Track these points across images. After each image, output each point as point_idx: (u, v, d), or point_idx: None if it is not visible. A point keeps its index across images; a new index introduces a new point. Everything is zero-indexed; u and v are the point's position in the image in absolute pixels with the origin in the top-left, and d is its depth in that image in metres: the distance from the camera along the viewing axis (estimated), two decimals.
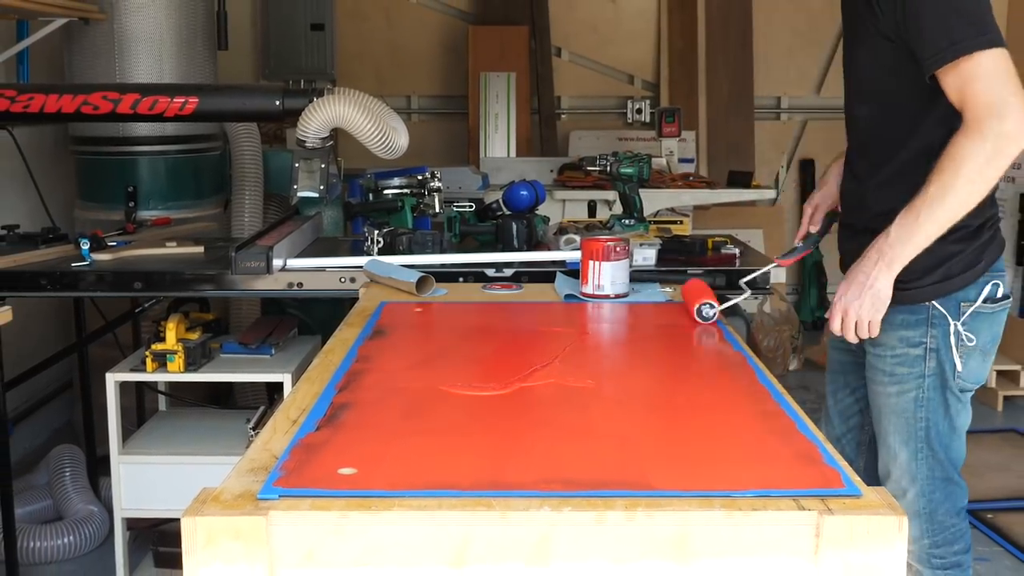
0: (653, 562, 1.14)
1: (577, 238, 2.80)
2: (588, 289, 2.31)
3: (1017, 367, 4.94)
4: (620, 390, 1.67)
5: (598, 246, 2.30)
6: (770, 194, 5.74)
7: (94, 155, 4.09)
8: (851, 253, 2.12)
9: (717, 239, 3.04)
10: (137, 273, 3.01)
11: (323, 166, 3.17)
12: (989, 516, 3.72)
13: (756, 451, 1.34)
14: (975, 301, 2.05)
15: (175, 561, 3.07)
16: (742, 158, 6.23)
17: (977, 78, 1.84)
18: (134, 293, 3.16)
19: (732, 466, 1.27)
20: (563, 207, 5.21)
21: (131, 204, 3.87)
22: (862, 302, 1.99)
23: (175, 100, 3.19)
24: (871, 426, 2.26)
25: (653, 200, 4.97)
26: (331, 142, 3.20)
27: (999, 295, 2.07)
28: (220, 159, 4.30)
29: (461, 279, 2.81)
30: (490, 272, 2.87)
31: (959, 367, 2.07)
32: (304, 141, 3.12)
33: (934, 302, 2.05)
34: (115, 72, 3.95)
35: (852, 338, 2.04)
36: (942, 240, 1.96)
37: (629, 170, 3.28)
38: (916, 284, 2.04)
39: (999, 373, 4.98)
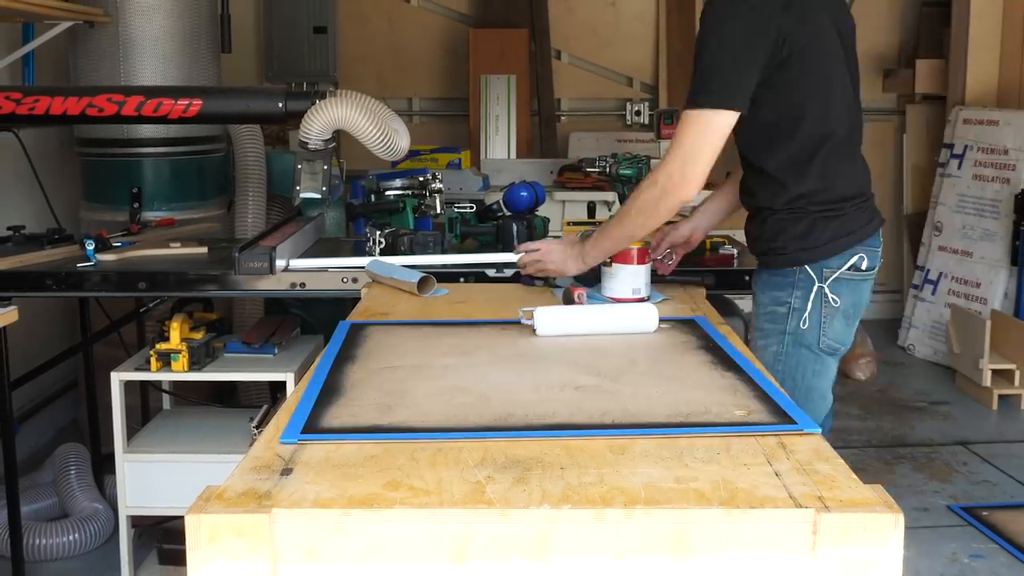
0: (652, 558, 1.14)
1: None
2: (620, 293, 2.30)
3: (1012, 366, 4.94)
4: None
5: (639, 251, 2.33)
6: None
7: (99, 157, 4.09)
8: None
9: (715, 239, 3.04)
10: (141, 273, 3.01)
11: (325, 167, 3.17)
12: (984, 514, 3.72)
13: (719, 397, 1.61)
14: (839, 269, 2.23)
15: (179, 558, 3.08)
16: (738, 160, 6.21)
17: (682, 131, 2.17)
18: (138, 293, 3.16)
19: (697, 405, 1.55)
20: (563, 208, 5.21)
21: (136, 205, 3.87)
22: (554, 259, 2.43)
23: (179, 102, 3.19)
24: None
25: None
26: (333, 144, 3.20)
27: (863, 266, 2.26)
28: (224, 161, 4.30)
29: (462, 279, 2.81)
30: (491, 272, 2.87)
31: (816, 325, 2.24)
32: (307, 143, 3.12)
33: (804, 267, 2.24)
34: (120, 75, 3.95)
35: (521, 266, 2.50)
36: (815, 219, 2.23)
37: (628, 171, 3.28)
38: (785, 251, 2.25)
39: (994, 372, 4.98)
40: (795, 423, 1.46)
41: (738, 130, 2.22)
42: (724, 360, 1.83)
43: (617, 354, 1.88)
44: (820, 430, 1.46)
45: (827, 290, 2.24)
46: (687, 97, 2.19)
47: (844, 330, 2.29)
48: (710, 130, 2.14)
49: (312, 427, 1.46)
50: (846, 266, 2.24)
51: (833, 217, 2.25)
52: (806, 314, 2.25)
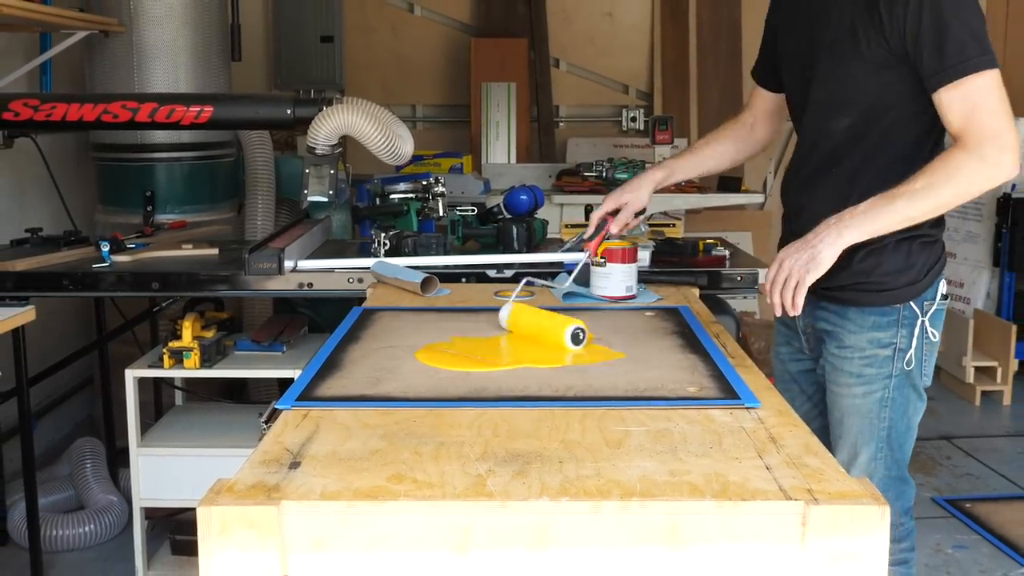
0: (647, 548, 1.14)
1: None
2: (614, 291, 2.31)
3: (994, 363, 4.95)
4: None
5: (629, 251, 2.31)
6: (758, 199, 5.75)
7: (114, 161, 4.09)
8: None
9: (708, 241, 3.04)
10: (155, 274, 3.01)
11: (332, 172, 3.17)
12: (967, 506, 3.72)
13: (678, 375, 1.70)
14: (935, 300, 2.04)
15: (191, 549, 3.08)
16: None
17: (982, 102, 1.83)
18: (152, 293, 3.16)
19: (655, 382, 1.65)
20: (561, 211, 5.21)
21: (149, 208, 3.87)
22: (800, 256, 1.84)
23: (191, 109, 3.19)
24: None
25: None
26: (340, 149, 3.20)
27: (946, 292, 2.08)
28: (234, 165, 4.30)
29: (464, 279, 2.81)
30: (491, 273, 2.87)
31: (924, 365, 2.05)
32: (314, 148, 3.12)
33: (909, 303, 2.02)
34: (134, 82, 3.95)
35: (776, 300, 1.88)
36: (913, 246, 1.98)
37: (624, 175, 3.29)
38: (892, 286, 2.00)
39: (977, 369, 4.99)
40: (738, 398, 1.55)
41: (851, 120, 2.00)
42: (692, 344, 1.91)
43: (596, 338, 1.93)
44: (759, 404, 1.52)
45: (927, 324, 2.03)
46: (954, 67, 1.83)
47: (933, 364, 2.10)
48: (1003, 92, 1.84)
49: (306, 396, 1.58)
50: (939, 295, 2.04)
51: (931, 242, 2.02)
52: (910, 353, 2.02)
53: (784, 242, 2.07)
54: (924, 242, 2.01)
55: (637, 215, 2.42)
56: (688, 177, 2.53)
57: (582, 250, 2.44)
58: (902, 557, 2.12)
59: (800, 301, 1.85)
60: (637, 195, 2.40)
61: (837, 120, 2.03)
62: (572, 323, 1.87)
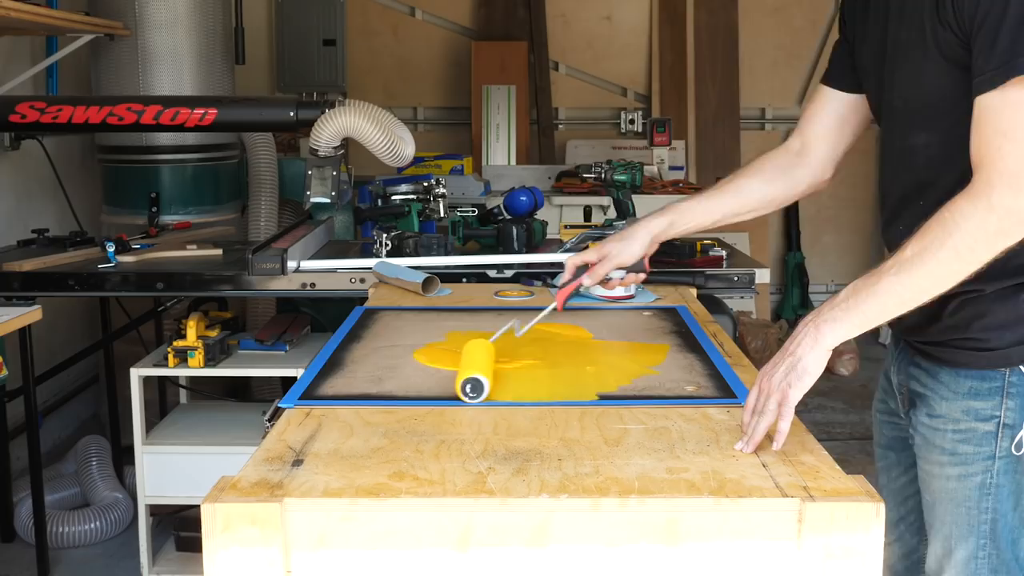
0: (645, 545, 1.14)
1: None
2: (614, 292, 2.30)
3: None
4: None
5: None
6: None
7: (119, 163, 4.09)
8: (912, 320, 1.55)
9: (705, 242, 3.04)
10: (159, 274, 3.01)
11: (334, 173, 3.17)
12: None
13: (676, 375, 1.71)
14: None
15: (196, 545, 3.07)
16: (729, 166, 6.22)
17: (1009, 125, 1.39)
18: (157, 293, 3.16)
19: (654, 380, 1.66)
20: (560, 212, 5.21)
21: (154, 209, 3.87)
22: (777, 370, 1.40)
23: (195, 111, 3.19)
24: None
25: (645, 205, 4.93)
26: (342, 151, 3.19)
27: None
28: (238, 167, 4.30)
29: (464, 279, 2.81)
30: (491, 273, 2.87)
31: None
32: (317, 150, 3.12)
33: (1019, 367, 1.56)
34: (139, 85, 3.95)
35: (752, 430, 1.35)
36: (1018, 296, 1.53)
37: (622, 177, 3.28)
38: (995, 345, 1.55)
39: None
40: (735, 397, 1.54)
41: (946, 142, 1.53)
42: (690, 343, 1.90)
43: (605, 339, 1.95)
44: None
45: None
46: (1001, 70, 1.38)
47: None
48: None
49: (309, 394, 1.58)
50: None
51: None
52: (1022, 432, 1.56)
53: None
54: None
55: (631, 270, 2.01)
56: (700, 227, 1.97)
57: (585, 249, 2.44)
58: None
59: (785, 427, 1.35)
60: (625, 246, 1.96)
61: (915, 136, 1.61)
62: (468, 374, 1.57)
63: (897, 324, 1.65)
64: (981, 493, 1.59)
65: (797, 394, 1.38)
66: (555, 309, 1.99)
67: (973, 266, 1.40)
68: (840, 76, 1.82)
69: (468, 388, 1.53)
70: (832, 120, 1.85)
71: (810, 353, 1.40)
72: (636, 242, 1.96)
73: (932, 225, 1.41)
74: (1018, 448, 1.56)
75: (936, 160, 1.57)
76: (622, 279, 2.04)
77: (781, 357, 1.43)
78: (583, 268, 2.00)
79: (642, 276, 2.05)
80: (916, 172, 1.61)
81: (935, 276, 1.41)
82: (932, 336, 1.60)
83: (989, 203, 1.37)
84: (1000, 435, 1.56)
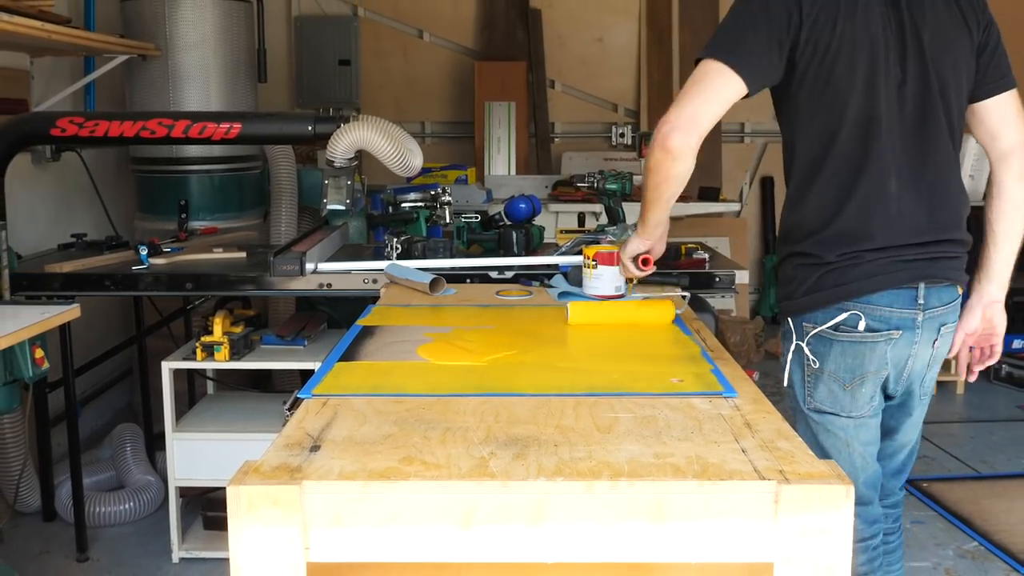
0: (634, 523, 1.14)
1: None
2: (604, 291, 2.30)
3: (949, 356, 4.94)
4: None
5: (618, 255, 2.30)
6: (735, 207, 5.76)
7: (151, 173, 4.09)
8: (953, 267, 1.82)
9: (689, 245, 3.04)
10: (188, 275, 3.01)
11: (349, 182, 3.17)
12: (924, 485, 3.72)
13: (665, 368, 1.68)
14: (820, 325, 1.78)
15: (222, 524, 3.08)
16: (711, 175, 6.23)
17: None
18: (186, 292, 3.16)
19: (643, 374, 1.65)
20: (556, 218, 5.21)
21: (183, 216, 3.87)
22: (990, 341, 1.99)
23: (221, 125, 3.19)
24: None
25: (634, 212, 4.93)
26: (356, 162, 3.19)
27: (861, 327, 1.75)
28: (260, 176, 4.30)
29: (468, 280, 2.81)
30: (493, 274, 2.87)
31: (808, 387, 1.83)
32: (333, 161, 3.12)
33: (787, 318, 1.84)
34: (169, 101, 3.95)
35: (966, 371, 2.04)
36: (788, 263, 1.82)
37: (614, 186, 3.28)
38: (783, 296, 1.86)
39: None
40: (720, 390, 1.53)
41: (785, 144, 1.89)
42: (679, 340, 1.91)
43: (598, 333, 1.96)
44: (736, 394, 1.49)
45: (805, 348, 1.80)
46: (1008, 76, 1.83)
47: (835, 395, 1.80)
48: (705, 79, 1.72)
49: (325, 386, 1.56)
50: (830, 323, 1.76)
51: (810, 265, 1.78)
52: (786, 371, 1.84)
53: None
54: (805, 264, 1.79)
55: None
56: None
57: (579, 252, 2.45)
58: None
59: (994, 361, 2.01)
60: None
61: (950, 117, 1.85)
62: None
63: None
64: (794, 414, 1.89)
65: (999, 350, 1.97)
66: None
67: (658, 177, 1.77)
68: None
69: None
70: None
71: (1003, 325, 1.95)
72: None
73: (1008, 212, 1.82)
74: (787, 383, 1.88)
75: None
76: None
77: (989, 338, 1.96)
78: None
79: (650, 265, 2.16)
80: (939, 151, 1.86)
81: (648, 188, 1.81)
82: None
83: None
84: (785, 368, 1.87)
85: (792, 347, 1.82)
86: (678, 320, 2.09)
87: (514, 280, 2.78)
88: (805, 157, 1.81)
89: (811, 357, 1.80)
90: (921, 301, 1.77)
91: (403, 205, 3.29)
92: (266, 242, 4.05)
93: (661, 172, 1.75)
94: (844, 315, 1.76)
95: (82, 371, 3.37)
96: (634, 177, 3.57)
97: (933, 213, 1.77)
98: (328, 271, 2.94)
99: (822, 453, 1.80)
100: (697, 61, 1.76)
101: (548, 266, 2.83)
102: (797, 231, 1.79)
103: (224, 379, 3.64)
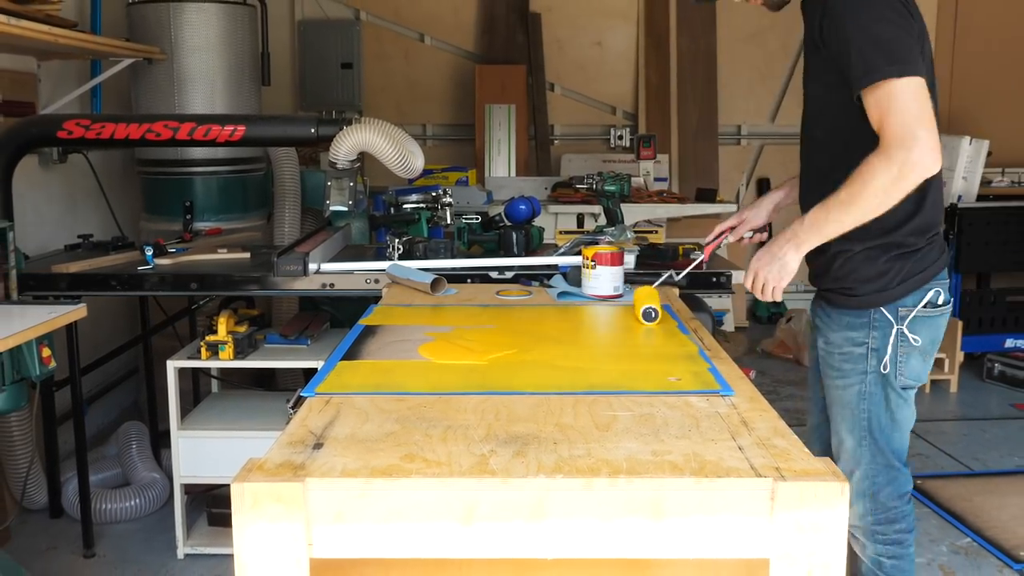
0: (633, 520, 1.14)
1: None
2: (603, 291, 2.30)
3: (942, 355, 4.94)
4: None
5: (617, 255, 2.31)
6: (732, 208, 5.74)
7: (156, 175, 4.09)
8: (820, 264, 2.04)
9: (687, 246, 3.04)
10: (193, 275, 3.01)
11: (351, 184, 3.17)
12: (918, 483, 3.72)
13: (663, 367, 1.69)
14: (915, 307, 1.97)
15: (226, 520, 3.08)
16: (708, 177, 6.23)
17: (891, 107, 1.78)
18: (190, 292, 3.16)
19: (641, 373, 1.66)
20: (556, 219, 5.21)
21: (188, 217, 3.87)
22: (770, 268, 1.93)
23: (225, 128, 3.19)
24: None
25: (632, 213, 4.97)
26: (358, 164, 3.20)
27: (940, 301, 1.98)
28: (264, 178, 4.30)
29: (469, 280, 2.81)
30: (493, 274, 2.87)
31: (900, 366, 1.99)
32: (335, 163, 3.12)
33: (880, 308, 1.98)
34: (174, 104, 3.95)
35: (760, 295, 1.98)
36: (884, 256, 1.94)
37: (612, 187, 3.28)
38: (857, 292, 1.99)
39: None
40: (717, 388, 1.53)
41: (829, 139, 1.99)
42: (677, 339, 1.92)
43: (597, 332, 1.99)
44: (733, 392, 1.51)
45: (905, 330, 1.97)
46: (867, 76, 1.81)
47: (921, 367, 2.03)
48: (921, 94, 1.78)
49: (328, 384, 1.57)
50: (922, 303, 1.97)
51: (909, 252, 1.96)
52: (887, 357, 1.98)
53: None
54: (900, 253, 1.96)
55: (758, 231, 2.38)
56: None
57: (578, 253, 2.45)
58: (896, 538, 2.07)
59: (779, 295, 1.96)
60: (756, 212, 2.38)
61: (814, 130, 2.07)
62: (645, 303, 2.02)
63: (809, 274, 2.10)
64: (859, 398, 2.02)
65: (786, 283, 1.93)
66: (703, 262, 2.39)
67: (887, 202, 1.80)
68: None
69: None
70: None
71: (794, 259, 1.91)
72: (763, 208, 2.37)
73: (856, 175, 1.80)
74: (884, 367, 1.99)
75: (830, 149, 2.01)
76: (750, 238, 2.37)
77: (772, 259, 1.93)
78: (720, 233, 2.39)
79: (765, 235, 2.35)
80: (817, 160, 2.07)
81: (864, 209, 1.82)
82: (827, 284, 2.05)
83: (889, 157, 1.76)
84: (869, 356, 2.00)
85: (894, 333, 1.97)
86: (669, 310, 2.09)
87: (514, 280, 2.78)
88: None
89: (912, 337, 1.97)
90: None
91: (405, 206, 3.29)
92: (270, 243, 4.05)
93: (901, 187, 1.79)
94: (930, 294, 1.97)
95: (88, 370, 3.37)
96: (632, 179, 3.57)
97: None
98: (331, 271, 2.94)
99: (896, 427, 2.03)
100: (875, 78, 1.80)
101: (548, 266, 2.83)
102: (883, 223, 1.88)
103: (228, 378, 3.64)
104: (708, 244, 2.41)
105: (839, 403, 2.07)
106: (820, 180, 2.01)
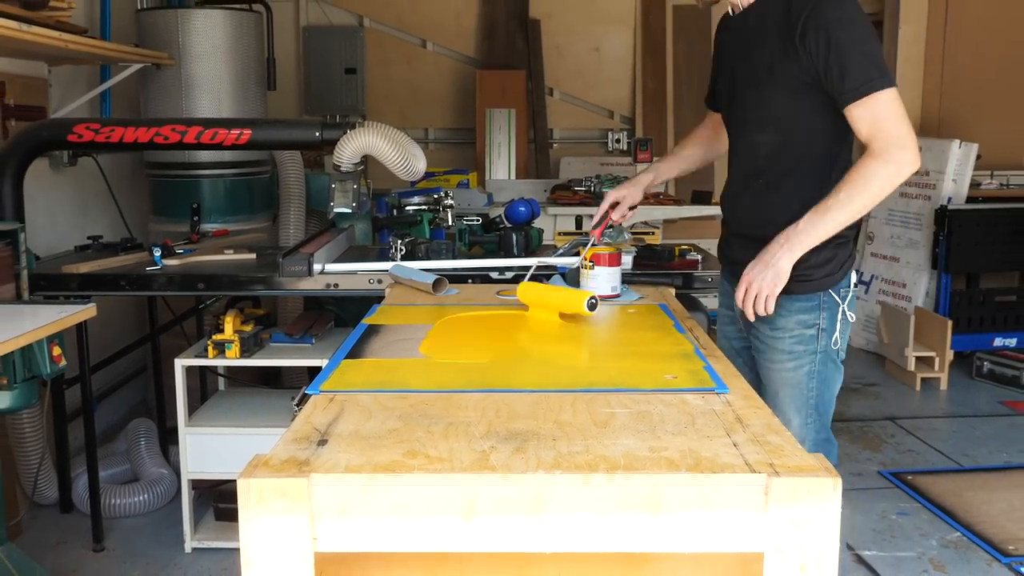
0: (630, 515, 1.14)
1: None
2: (601, 291, 2.30)
3: (932, 354, 4.95)
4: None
5: (615, 256, 2.31)
6: None
7: (164, 177, 4.09)
8: (745, 261, 2.10)
9: (683, 247, 3.04)
10: (200, 276, 3.01)
11: (355, 186, 3.17)
12: (909, 478, 3.72)
13: (660, 365, 1.68)
14: (850, 288, 2.13)
15: (232, 515, 3.08)
16: (703, 180, 6.21)
17: (884, 114, 1.92)
18: (198, 292, 3.16)
19: (637, 371, 1.65)
20: (555, 221, 5.21)
21: (195, 218, 3.87)
22: (764, 276, 2.02)
23: (232, 132, 3.19)
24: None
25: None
26: (362, 166, 3.20)
27: (855, 281, 2.17)
28: (269, 181, 4.30)
29: (470, 280, 2.81)
30: (494, 275, 2.87)
31: (840, 341, 2.14)
32: (339, 166, 3.12)
33: (828, 291, 2.11)
34: (182, 108, 3.95)
35: (750, 311, 2.07)
36: (830, 245, 2.05)
37: (609, 190, 3.27)
38: (812, 277, 2.09)
39: (918, 359, 4.99)
40: (713, 386, 1.53)
41: (781, 141, 2.08)
42: (673, 338, 1.91)
43: (595, 331, 1.96)
44: (728, 390, 1.52)
45: (846, 308, 2.12)
46: (860, 87, 1.93)
47: (847, 342, 2.20)
48: (900, 101, 1.95)
49: (332, 382, 1.56)
50: (852, 284, 2.14)
51: (846, 242, 2.12)
52: (836, 334, 2.12)
53: (725, 246, 2.30)
54: (840, 243, 2.09)
55: (632, 208, 2.51)
56: (670, 176, 2.63)
57: (577, 254, 2.45)
58: None
59: (772, 307, 2.05)
60: (632, 191, 2.50)
61: (760, 135, 2.13)
62: (587, 295, 2.01)
63: (738, 264, 2.15)
64: (808, 378, 2.13)
65: (779, 290, 2.02)
66: (595, 242, 2.39)
67: (877, 201, 1.95)
68: (712, 100, 2.45)
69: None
70: (720, 122, 2.39)
71: (788, 263, 2.00)
72: (638, 187, 2.51)
73: (854, 177, 1.94)
74: (835, 344, 2.12)
75: (773, 152, 2.09)
76: (624, 216, 2.51)
77: (765, 267, 2.02)
78: (605, 214, 2.48)
79: (636, 210, 2.55)
80: (755, 160, 2.13)
81: (860, 208, 1.96)
82: None
83: (887, 159, 1.91)
84: (819, 336, 2.11)
85: (840, 311, 2.11)
86: (665, 309, 2.09)
87: (514, 280, 2.77)
88: (828, 153, 2.07)
89: (850, 313, 2.12)
90: None
91: (407, 208, 3.30)
92: (275, 244, 4.05)
93: (894, 184, 1.95)
94: (854, 275, 2.16)
95: (98, 368, 3.37)
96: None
97: None
98: (335, 272, 2.93)
99: (831, 400, 2.18)
100: (872, 88, 1.93)
101: (547, 267, 2.83)
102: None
103: (235, 376, 3.64)
104: (595, 227, 2.47)
105: (788, 384, 2.16)
106: (759, 184, 2.13)
